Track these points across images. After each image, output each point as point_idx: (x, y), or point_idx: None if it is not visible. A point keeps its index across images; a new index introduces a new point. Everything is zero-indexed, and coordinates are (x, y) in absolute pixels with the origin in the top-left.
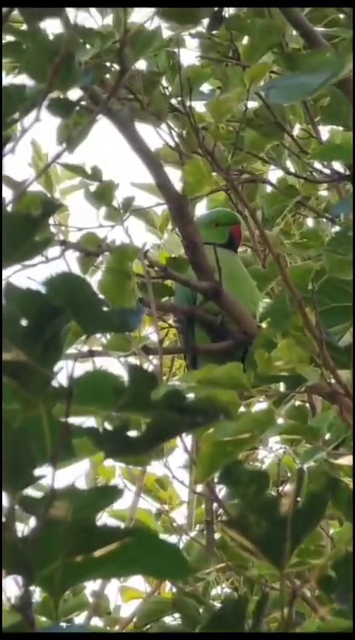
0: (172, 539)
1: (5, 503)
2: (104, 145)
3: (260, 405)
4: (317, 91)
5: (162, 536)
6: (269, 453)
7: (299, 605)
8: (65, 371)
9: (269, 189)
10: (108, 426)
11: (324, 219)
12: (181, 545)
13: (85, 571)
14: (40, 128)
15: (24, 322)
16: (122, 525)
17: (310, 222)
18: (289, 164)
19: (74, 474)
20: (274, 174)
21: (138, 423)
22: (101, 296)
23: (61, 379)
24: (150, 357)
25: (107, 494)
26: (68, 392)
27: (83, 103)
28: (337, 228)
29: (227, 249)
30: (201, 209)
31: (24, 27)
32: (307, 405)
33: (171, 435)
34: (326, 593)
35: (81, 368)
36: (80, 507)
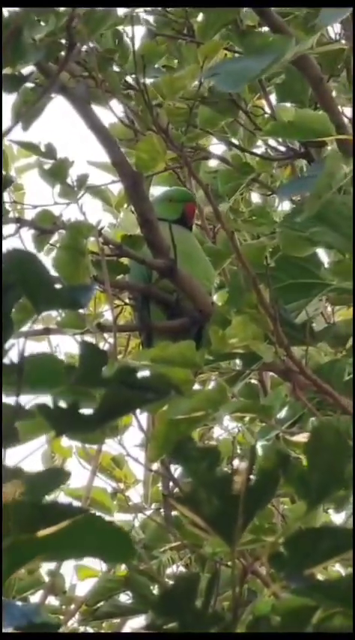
0: (127, 517)
1: None
2: (60, 125)
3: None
4: (260, 76)
5: (118, 514)
6: (224, 431)
7: (253, 583)
8: (16, 348)
9: (213, 165)
10: (60, 403)
11: (270, 196)
12: (137, 524)
13: (32, 553)
14: None
15: None
16: (75, 504)
17: (256, 198)
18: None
19: (29, 453)
20: (219, 148)
21: (92, 400)
22: (53, 272)
23: (12, 356)
24: (105, 335)
25: (55, 476)
26: (19, 369)
27: (37, 80)
28: (288, 205)
29: (181, 226)
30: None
31: None
32: (258, 383)
33: (123, 411)
34: (276, 570)
35: (36, 346)
36: (28, 489)
